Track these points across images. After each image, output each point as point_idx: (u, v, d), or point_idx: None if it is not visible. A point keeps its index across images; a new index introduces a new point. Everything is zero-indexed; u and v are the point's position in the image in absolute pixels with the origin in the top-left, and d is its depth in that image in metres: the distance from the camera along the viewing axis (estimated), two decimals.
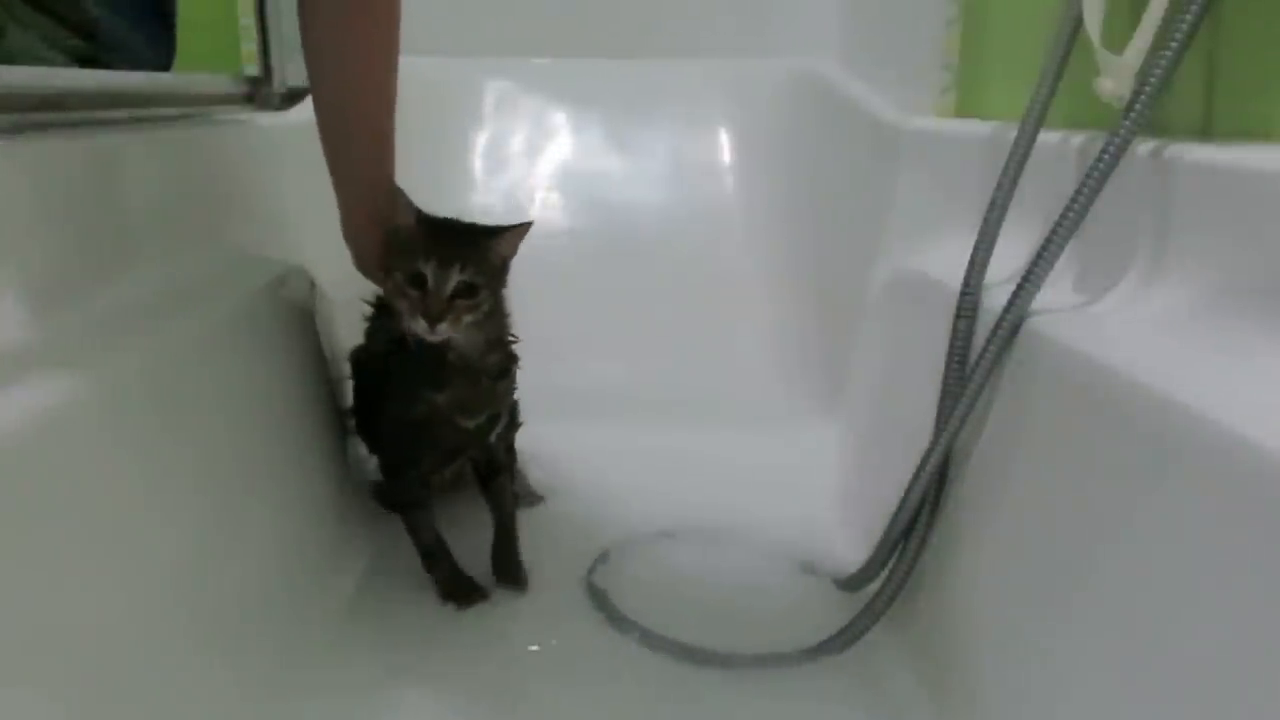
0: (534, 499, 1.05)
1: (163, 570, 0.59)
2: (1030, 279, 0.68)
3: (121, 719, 0.53)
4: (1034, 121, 0.75)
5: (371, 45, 0.81)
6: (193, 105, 1.04)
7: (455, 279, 0.75)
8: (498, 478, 0.91)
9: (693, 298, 1.53)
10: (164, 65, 1.10)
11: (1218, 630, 0.46)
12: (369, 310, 0.92)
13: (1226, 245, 0.58)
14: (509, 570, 0.88)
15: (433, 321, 0.75)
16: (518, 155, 1.63)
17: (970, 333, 0.75)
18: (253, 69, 1.36)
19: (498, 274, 0.80)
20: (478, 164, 1.62)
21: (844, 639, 0.76)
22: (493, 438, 0.88)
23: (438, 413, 0.83)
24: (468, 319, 0.77)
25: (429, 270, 0.75)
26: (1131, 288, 0.65)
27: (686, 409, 1.32)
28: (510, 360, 0.86)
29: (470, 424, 0.85)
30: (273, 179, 1.04)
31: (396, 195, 0.79)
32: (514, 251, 0.81)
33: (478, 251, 0.77)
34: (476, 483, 0.92)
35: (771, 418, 1.31)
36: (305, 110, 0.81)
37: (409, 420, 0.84)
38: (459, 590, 0.85)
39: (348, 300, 0.94)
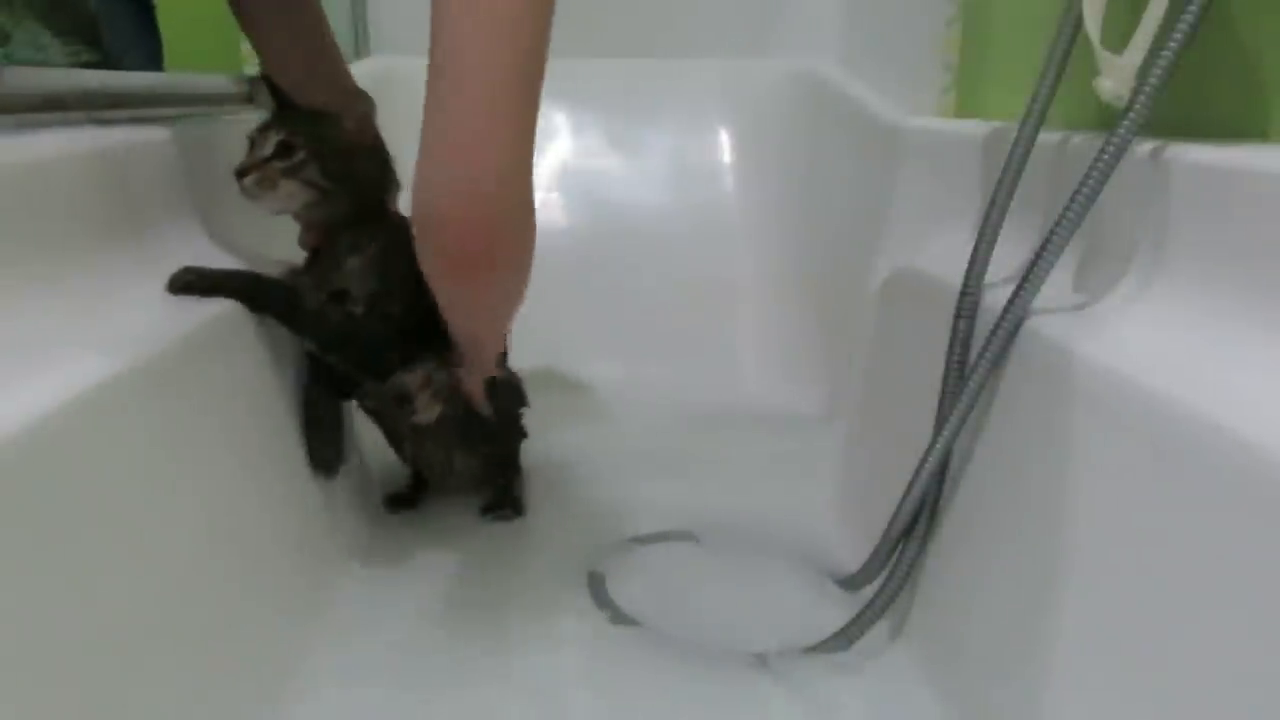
0: (508, 514, 1.01)
1: (171, 558, 0.59)
2: (1030, 279, 0.68)
3: (126, 701, 0.53)
4: (1034, 121, 0.75)
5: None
6: (193, 105, 1.04)
7: (274, 140, 0.77)
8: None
9: (693, 297, 1.53)
10: (158, 62, 1.11)
11: (1219, 630, 0.46)
12: None
13: (1226, 245, 0.58)
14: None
15: (239, 175, 0.76)
16: None
17: (970, 333, 0.75)
18: (253, 69, 1.36)
19: (339, 158, 0.79)
20: None
21: (845, 637, 0.77)
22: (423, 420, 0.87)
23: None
24: (287, 185, 0.78)
25: (254, 134, 0.78)
26: (1131, 288, 0.65)
27: (686, 409, 1.32)
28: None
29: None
30: None
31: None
32: (368, 139, 0.83)
33: (316, 126, 0.78)
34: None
35: (771, 418, 1.31)
36: None
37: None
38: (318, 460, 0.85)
39: None
